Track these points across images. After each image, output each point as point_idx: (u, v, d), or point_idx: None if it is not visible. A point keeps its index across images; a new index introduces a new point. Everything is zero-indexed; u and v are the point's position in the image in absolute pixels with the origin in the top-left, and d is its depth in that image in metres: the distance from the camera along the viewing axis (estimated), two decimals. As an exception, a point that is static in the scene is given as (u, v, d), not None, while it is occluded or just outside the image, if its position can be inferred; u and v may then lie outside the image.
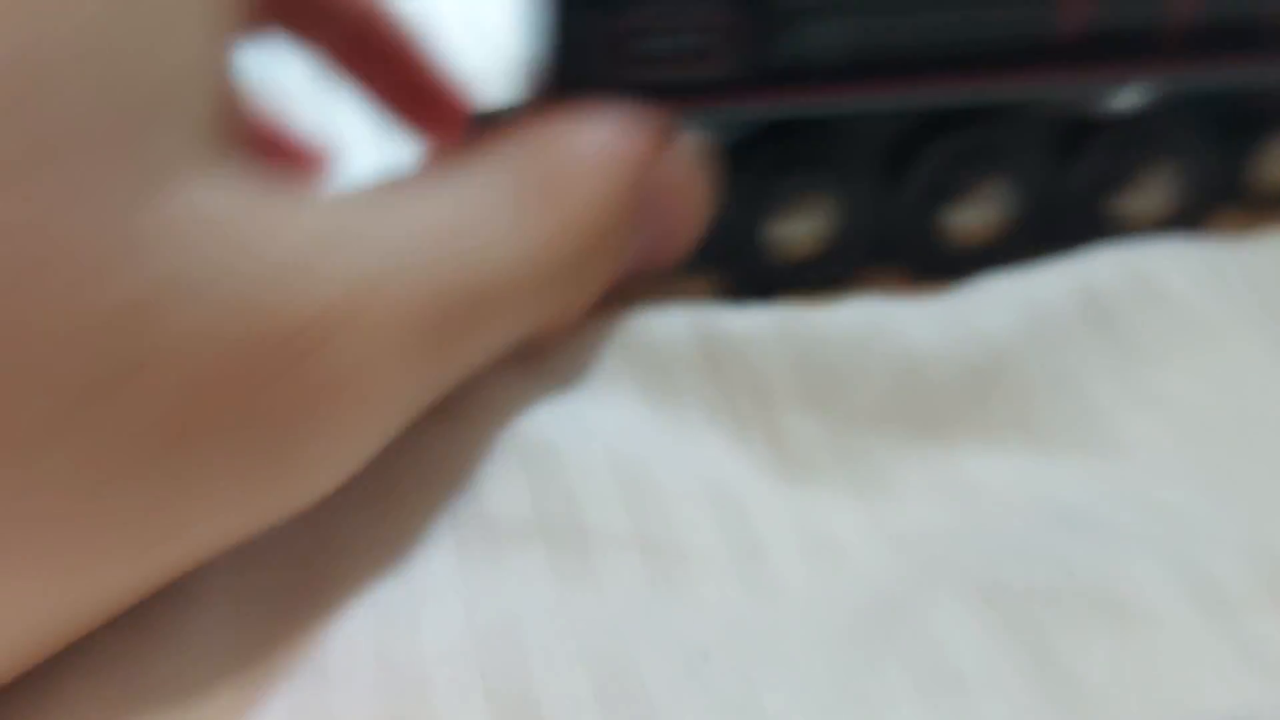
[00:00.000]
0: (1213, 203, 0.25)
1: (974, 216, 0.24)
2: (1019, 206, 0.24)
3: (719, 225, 0.22)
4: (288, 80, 0.29)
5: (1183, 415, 0.18)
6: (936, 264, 0.24)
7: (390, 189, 0.16)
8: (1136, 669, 0.14)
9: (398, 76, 0.25)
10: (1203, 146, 0.25)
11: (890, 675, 0.14)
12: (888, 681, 0.14)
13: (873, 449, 0.18)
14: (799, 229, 0.24)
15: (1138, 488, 0.17)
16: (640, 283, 0.19)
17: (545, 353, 0.19)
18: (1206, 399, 0.18)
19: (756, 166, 0.23)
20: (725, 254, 0.23)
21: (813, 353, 0.19)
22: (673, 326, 0.19)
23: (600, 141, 0.18)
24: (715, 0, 0.23)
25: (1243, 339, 0.19)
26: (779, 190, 0.23)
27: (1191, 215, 0.25)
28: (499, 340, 0.16)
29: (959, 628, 0.15)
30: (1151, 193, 0.25)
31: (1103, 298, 0.20)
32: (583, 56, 0.22)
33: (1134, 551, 0.15)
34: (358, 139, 0.28)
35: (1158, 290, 0.20)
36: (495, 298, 0.16)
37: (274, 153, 0.26)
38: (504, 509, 0.16)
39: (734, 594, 0.16)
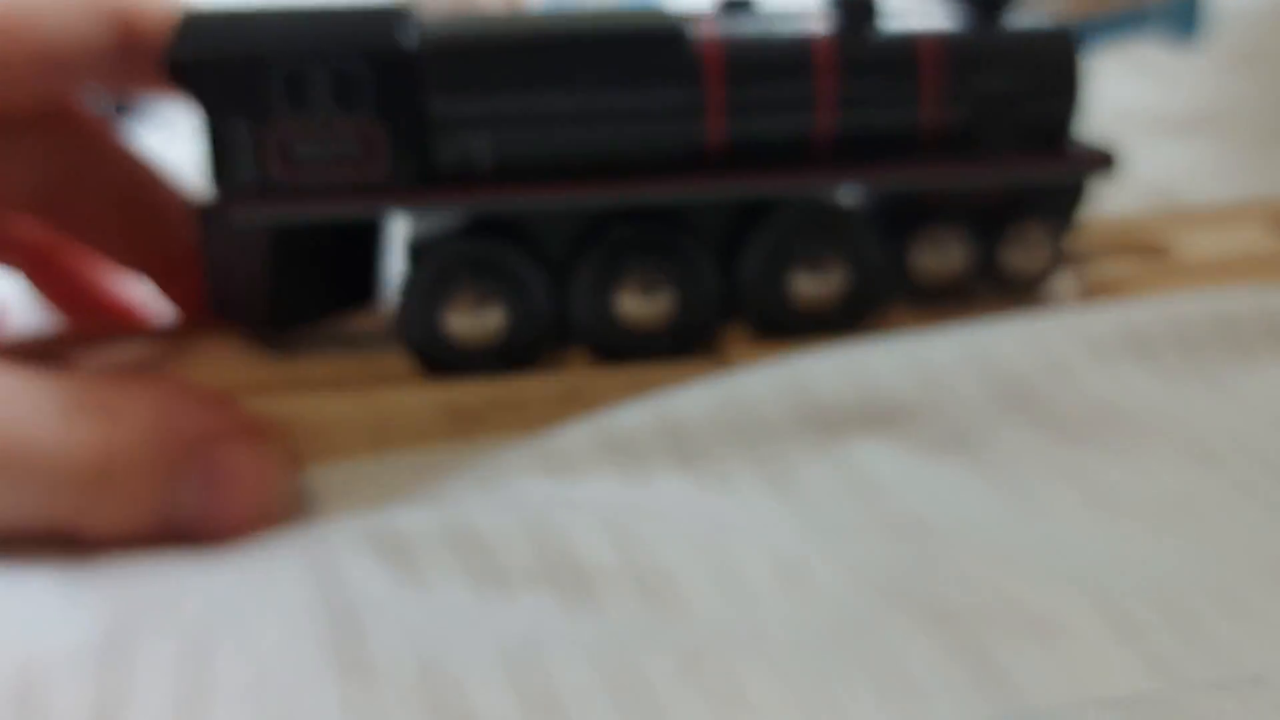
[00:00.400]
0: (881, 291, 0.27)
1: (644, 303, 0.26)
2: (687, 292, 0.26)
3: (408, 313, 0.26)
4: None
5: (1090, 484, 0.21)
6: (614, 347, 0.27)
7: None
8: (1058, 669, 0.17)
9: (70, 287, 0.30)
10: (864, 238, 0.27)
11: (856, 680, 0.17)
12: (854, 685, 0.17)
13: (818, 497, 0.22)
14: (476, 321, 0.26)
15: (1054, 531, 0.20)
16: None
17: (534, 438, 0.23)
18: (1110, 472, 0.22)
19: (436, 264, 0.25)
20: (415, 339, 0.26)
21: (752, 428, 0.23)
22: (638, 415, 0.23)
23: (170, 391, 0.22)
24: (363, 113, 0.24)
25: (1143, 419, 0.23)
26: (457, 286, 0.26)
27: (862, 301, 0.27)
28: (23, 509, 0.20)
29: (912, 642, 0.18)
30: (827, 277, 0.27)
31: (1018, 379, 0.23)
32: (238, 161, 0.24)
33: (1054, 577, 0.19)
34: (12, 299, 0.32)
35: (1064, 368, 0.23)
36: (24, 466, 0.20)
37: None
38: (511, 561, 0.19)
39: (718, 608, 0.19)
